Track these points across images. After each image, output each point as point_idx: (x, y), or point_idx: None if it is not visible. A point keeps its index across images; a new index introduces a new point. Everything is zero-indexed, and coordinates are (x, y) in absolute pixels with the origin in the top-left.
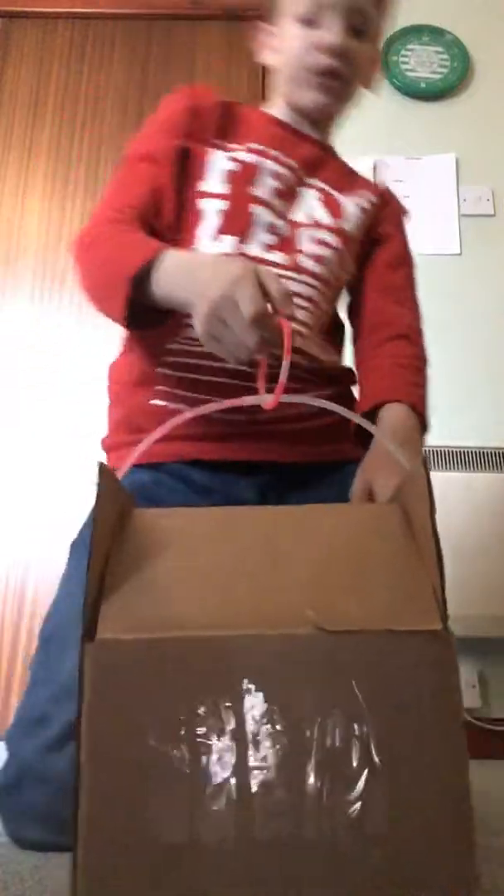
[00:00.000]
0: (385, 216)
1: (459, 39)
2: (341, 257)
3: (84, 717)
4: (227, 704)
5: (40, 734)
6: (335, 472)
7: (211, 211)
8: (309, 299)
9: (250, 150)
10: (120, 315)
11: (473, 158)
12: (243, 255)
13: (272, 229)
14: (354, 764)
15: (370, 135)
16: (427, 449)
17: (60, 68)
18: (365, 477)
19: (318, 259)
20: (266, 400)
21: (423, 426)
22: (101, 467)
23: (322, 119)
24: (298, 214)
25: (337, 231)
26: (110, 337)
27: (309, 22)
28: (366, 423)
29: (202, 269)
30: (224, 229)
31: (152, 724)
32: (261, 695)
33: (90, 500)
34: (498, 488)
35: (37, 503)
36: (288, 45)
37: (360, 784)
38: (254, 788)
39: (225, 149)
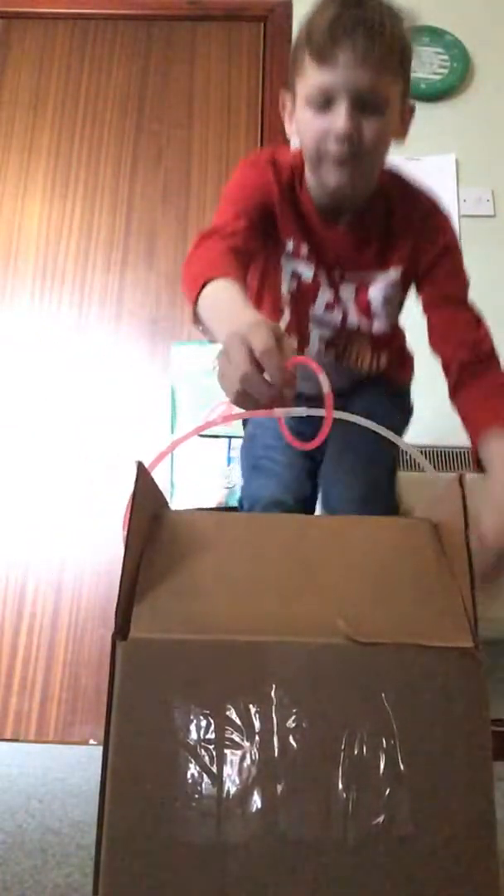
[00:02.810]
0: (422, 261)
1: (459, 40)
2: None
3: (114, 715)
4: (257, 709)
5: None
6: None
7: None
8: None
9: (308, 261)
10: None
11: (473, 159)
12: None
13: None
14: (381, 773)
15: None
16: (426, 450)
17: (60, 68)
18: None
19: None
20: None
21: None
22: (139, 467)
23: (351, 192)
24: (333, 316)
25: (369, 334)
26: (110, 337)
27: (319, 106)
28: (401, 442)
29: (227, 317)
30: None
31: (181, 724)
32: (290, 701)
33: (89, 500)
34: None
35: (36, 504)
36: (302, 130)
37: (386, 793)
38: (281, 792)
39: (289, 255)
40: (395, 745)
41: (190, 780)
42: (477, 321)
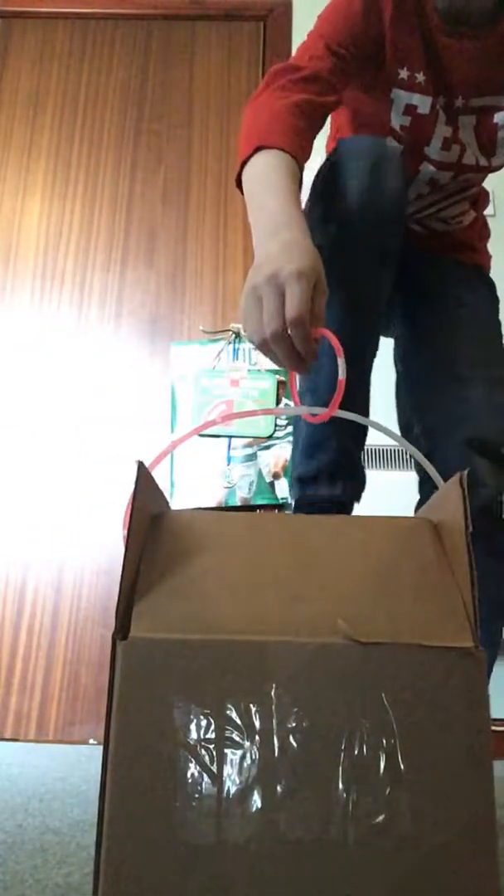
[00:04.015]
0: None
1: None
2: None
3: (114, 715)
4: (257, 708)
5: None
6: (467, 272)
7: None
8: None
9: (424, 91)
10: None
11: None
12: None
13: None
14: (381, 774)
15: None
16: None
17: (60, 68)
18: None
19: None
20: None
21: None
22: (139, 467)
23: None
24: (450, 154)
25: (486, 169)
26: (110, 337)
27: None
28: (404, 443)
29: (265, 224)
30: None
31: (181, 723)
32: (290, 701)
33: (89, 500)
34: None
35: (36, 504)
36: None
37: (386, 794)
38: (280, 792)
39: (402, 85)
40: (395, 745)
41: (190, 780)
42: None
